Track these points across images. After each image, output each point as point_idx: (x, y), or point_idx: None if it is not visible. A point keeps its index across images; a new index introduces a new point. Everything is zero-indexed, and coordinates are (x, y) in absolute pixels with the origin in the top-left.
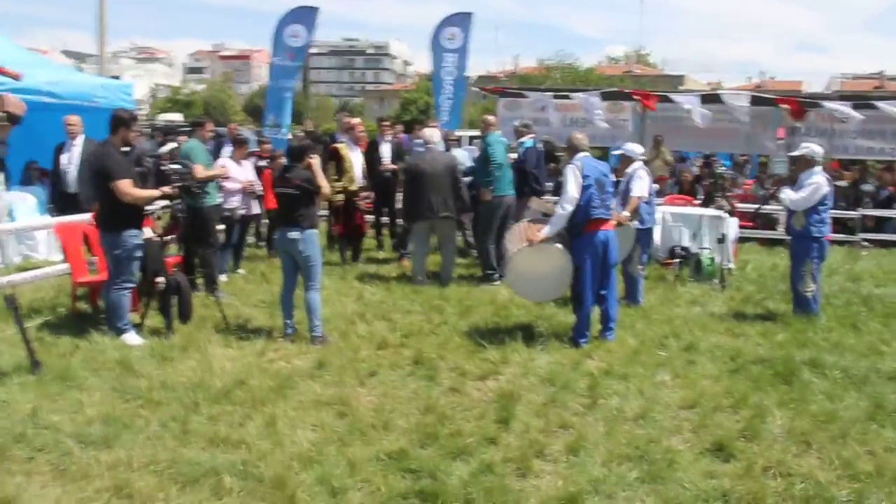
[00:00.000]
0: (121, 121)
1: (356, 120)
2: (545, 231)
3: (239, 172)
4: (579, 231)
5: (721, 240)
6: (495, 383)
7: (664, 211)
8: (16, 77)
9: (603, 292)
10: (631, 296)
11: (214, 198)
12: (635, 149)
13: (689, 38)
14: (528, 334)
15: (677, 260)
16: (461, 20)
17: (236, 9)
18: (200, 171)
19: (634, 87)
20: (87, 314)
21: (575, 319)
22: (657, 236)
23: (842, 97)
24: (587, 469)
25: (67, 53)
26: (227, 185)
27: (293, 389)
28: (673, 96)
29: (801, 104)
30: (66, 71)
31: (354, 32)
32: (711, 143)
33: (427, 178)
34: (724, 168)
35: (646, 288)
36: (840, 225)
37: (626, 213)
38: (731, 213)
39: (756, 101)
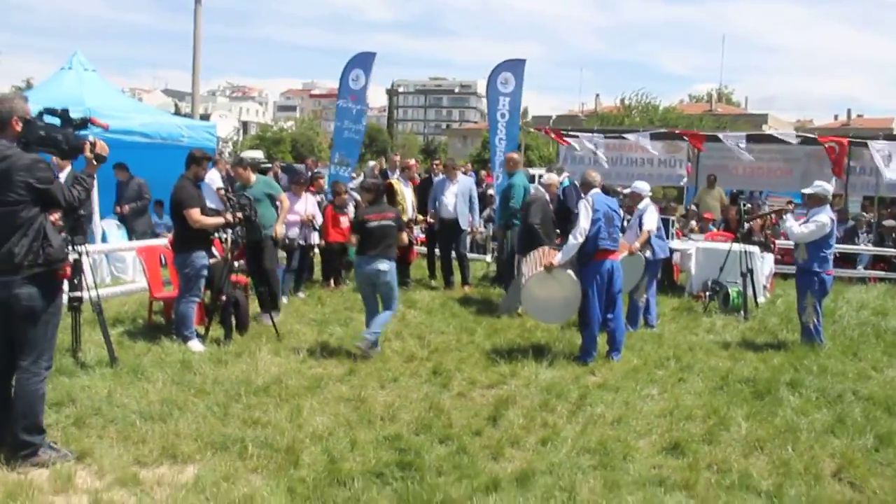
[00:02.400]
0: (193, 159)
1: (412, 161)
2: (558, 257)
3: (298, 206)
4: (588, 260)
5: (745, 274)
6: (499, 391)
7: (698, 246)
8: (104, 127)
9: (609, 317)
10: (632, 320)
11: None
12: (644, 186)
13: (780, 76)
14: (542, 352)
15: (708, 293)
16: (514, 66)
17: (328, 49)
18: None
19: (714, 126)
20: (161, 325)
21: (581, 340)
22: (692, 270)
23: None
24: (548, 456)
25: (167, 92)
26: (289, 217)
27: (322, 389)
28: (721, 136)
29: (849, 143)
30: (158, 114)
31: (442, 72)
32: (766, 182)
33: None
34: (768, 205)
35: (670, 317)
36: (887, 262)
37: (637, 245)
38: (769, 248)
39: (802, 141)
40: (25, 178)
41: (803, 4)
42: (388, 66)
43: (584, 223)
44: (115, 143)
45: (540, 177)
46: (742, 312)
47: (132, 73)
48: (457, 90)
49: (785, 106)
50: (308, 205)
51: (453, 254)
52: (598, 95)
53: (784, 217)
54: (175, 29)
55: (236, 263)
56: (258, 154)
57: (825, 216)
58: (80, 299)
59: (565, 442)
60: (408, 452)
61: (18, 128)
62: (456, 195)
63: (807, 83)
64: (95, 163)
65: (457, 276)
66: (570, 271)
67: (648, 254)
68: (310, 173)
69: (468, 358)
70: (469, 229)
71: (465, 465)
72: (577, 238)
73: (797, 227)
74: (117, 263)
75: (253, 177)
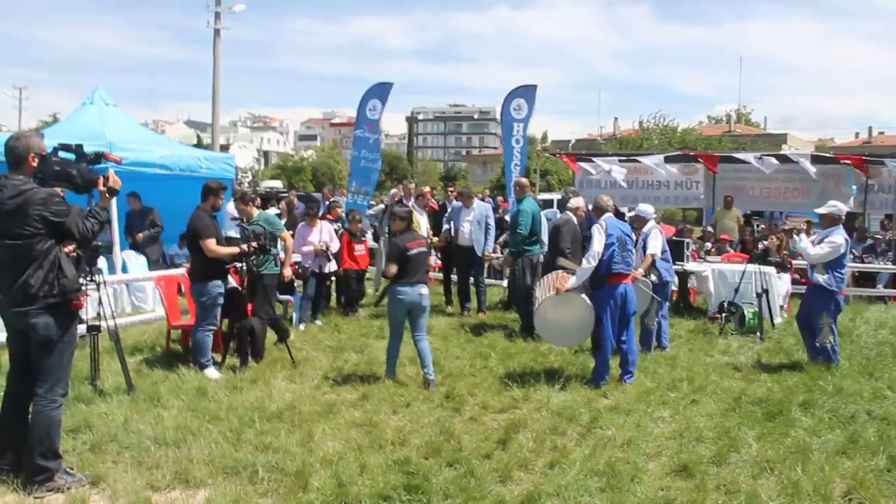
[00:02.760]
0: (210, 190)
1: (427, 189)
2: (571, 281)
3: (313, 235)
4: (601, 283)
5: (760, 294)
6: (511, 415)
7: (714, 268)
8: (118, 162)
9: (622, 339)
10: (645, 344)
11: (272, 267)
12: (648, 209)
13: (799, 95)
14: (554, 377)
15: (724, 314)
16: (526, 92)
17: (348, 77)
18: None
19: (734, 147)
20: (178, 353)
21: (594, 363)
22: (711, 291)
23: None
24: (556, 479)
25: (189, 123)
26: (302, 247)
27: (335, 414)
28: (736, 154)
29: (863, 160)
30: (176, 146)
31: (461, 98)
32: (783, 203)
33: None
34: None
35: (686, 339)
36: None
37: (641, 270)
38: (785, 268)
39: (817, 160)
40: (41, 212)
41: (820, 22)
42: (407, 94)
43: (597, 247)
44: (135, 174)
45: (560, 201)
46: (758, 333)
47: (156, 104)
48: (476, 116)
49: (806, 125)
50: (323, 233)
51: (471, 279)
52: (616, 119)
53: (797, 237)
54: (197, 61)
55: None
56: (277, 184)
57: (839, 236)
58: (98, 328)
59: (574, 464)
60: (416, 476)
61: (35, 164)
62: (472, 222)
63: (827, 101)
64: (108, 196)
65: (473, 303)
66: (583, 295)
67: (654, 277)
68: (326, 202)
69: (481, 383)
70: (496, 256)
71: (472, 488)
72: (590, 262)
73: (812, 248)
74: (137, 293)
75: (255, 212)
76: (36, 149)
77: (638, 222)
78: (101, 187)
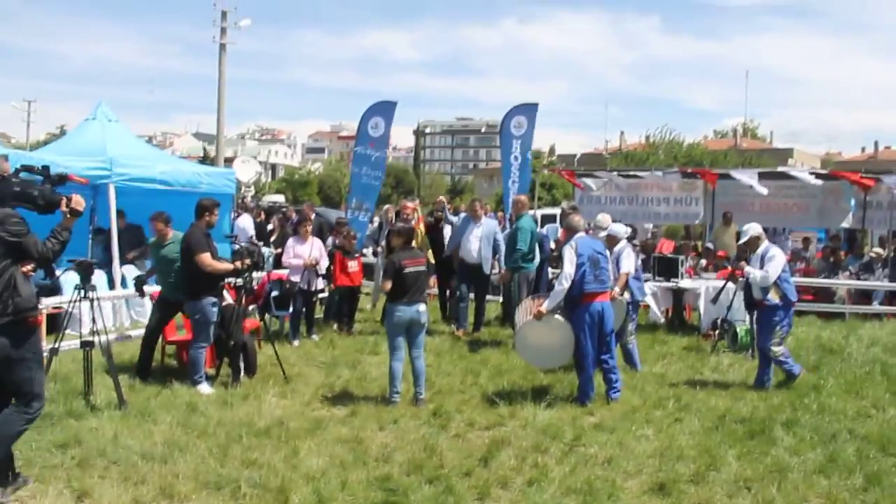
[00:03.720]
0: (203, 207)
1: (411, 204)
2: (546, 305)
3: (302, 250)
4: (576, 304)
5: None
6: (496, 433)
7: (707, 285)
8: (83, 183)
9: (604, 357)
10: (630, 362)
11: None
12: (619, 229)
13: (807, 109)
14: (542, 394)
15: (717, 331)
16: (527, 110)
17: (356, 91)
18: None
19: (739, 161)
20: (173, 368)
21: (578, 382)
22: (701, 309)
23: None
24: (534, 497)
25: (197, 136)
26: (292, 261)
27: (322, 430)
28: (733, 173)
29: (863, 177)
30: (177, 162)
31: (469, 111)
32: (783, 219)
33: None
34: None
35: (678, 356)
36: None
37: (617, 289)
38: None
39: (816, 176)
40: None
41: (829, 37)
42: (414, 107)
43: (568, 269)
44: (135, 190)
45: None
46: (750, 351)
47: (165, 116)
48: (483, 130)
49: (814, 138)
50: (314, 249)
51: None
52: (622, 133)
53: (747, 270)
54: (206, 73)
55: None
56: (279, 198)
57: (775, 248)
58: (91, 343)
59: (552, 482)
60: (395, 493)
61: None
62: (480, 239)
63: (835, 115)
64: (71, 216)
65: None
66: (558, 316)
67: (627, 296)
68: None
69: (469, 400)
70: (495, 272)
71: None
72: (562, 284)
73: (758, 272)
74: (136, 308)
75: (171, 233)
76: None
77: (611, 242)
78: (64, 208)
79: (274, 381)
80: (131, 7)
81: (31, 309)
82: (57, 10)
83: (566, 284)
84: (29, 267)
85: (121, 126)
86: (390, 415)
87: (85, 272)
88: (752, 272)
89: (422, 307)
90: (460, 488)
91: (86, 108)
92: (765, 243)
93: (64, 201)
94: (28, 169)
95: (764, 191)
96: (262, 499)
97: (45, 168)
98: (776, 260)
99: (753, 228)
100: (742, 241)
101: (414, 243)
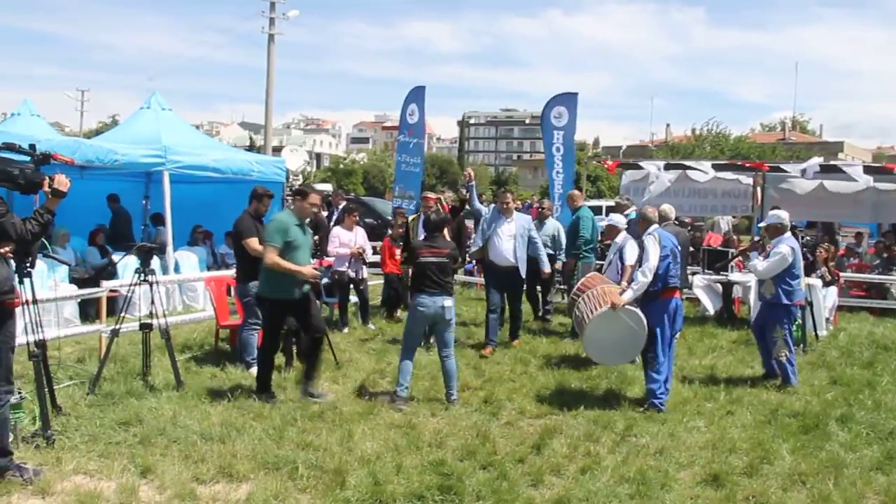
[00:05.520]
0: (255, 195)
1: (433, 196)
2: (627, 295)
3: (348, 239)
4: (654, 298)
5: (804, 306)
6: (547, 421)
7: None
8: (69, 163)
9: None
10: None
11: None
12: (620, 219)
13: (859, 101)
14: (593, 384)
15: None
16: (567, 100)
17: (400, 81)
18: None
19: (788, 155)
20: (226, 352)
21: (649, 383)
22: (751, 302)
23: None
24: (587, 485)
25: (244, 125)
26: (339, 250)
27: (375, 415)
28: (784, 166)
29: None
30: (229, 150)
31: (513, 102)
32: (835, 213)
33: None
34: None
35: (727, 349)
36: None
37: (625, 284)
38: (831, 282)
39: (868, 170)
40: None
41: (882, 27)
42: (459, 98)
43: (653, 260)
44: (188, 177)
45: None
46: (801, 345)
47: (212, 106)
48: (528, 121)
49: (866, 132)
50: (358, 237)
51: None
52: (668, 125)
53: (749, 255)
54: (252, 64)
55: None
56: (327, 187)
57: (785, 246)
58: (150, 326)
59: (605, 471)
60: (450, 477)
61: None
62: (514, 237)
63: (888, 108)
64: (54, 197)
65: (503, 333)
66: (637, 310)
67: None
68: (337, 208)
69: (520, 388)
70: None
71: (504, 491)
72: (646, 276)
73: (760, 264)
74: (189, 293)
75: None
76: None
77: (611, 232)
78: (46, 188)
79: (325, 366)
80: None
81: (8, 292)
82: (107, 1)
83: (650, 277)
84: (7, 248)
85: (174, 115)
86: (442, 402)
87: (145, 256)
88: (752, 263)
89: (447, 301)
90: (514, 474)
91: (136, 97)
92: (783, 235)
93: (46, 181)
94: (10, 147)
95: (812, 184)
96: (319, 479)
97: (32, 146)
98: (777, 257)
99: (776, 216)
100: (763, 224)
101: (447, 233)
